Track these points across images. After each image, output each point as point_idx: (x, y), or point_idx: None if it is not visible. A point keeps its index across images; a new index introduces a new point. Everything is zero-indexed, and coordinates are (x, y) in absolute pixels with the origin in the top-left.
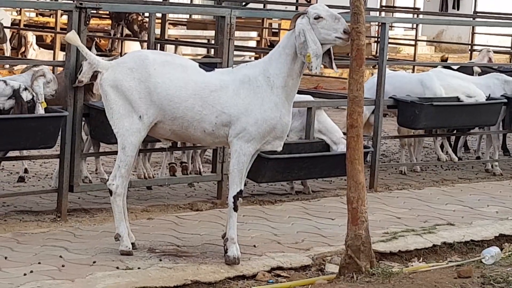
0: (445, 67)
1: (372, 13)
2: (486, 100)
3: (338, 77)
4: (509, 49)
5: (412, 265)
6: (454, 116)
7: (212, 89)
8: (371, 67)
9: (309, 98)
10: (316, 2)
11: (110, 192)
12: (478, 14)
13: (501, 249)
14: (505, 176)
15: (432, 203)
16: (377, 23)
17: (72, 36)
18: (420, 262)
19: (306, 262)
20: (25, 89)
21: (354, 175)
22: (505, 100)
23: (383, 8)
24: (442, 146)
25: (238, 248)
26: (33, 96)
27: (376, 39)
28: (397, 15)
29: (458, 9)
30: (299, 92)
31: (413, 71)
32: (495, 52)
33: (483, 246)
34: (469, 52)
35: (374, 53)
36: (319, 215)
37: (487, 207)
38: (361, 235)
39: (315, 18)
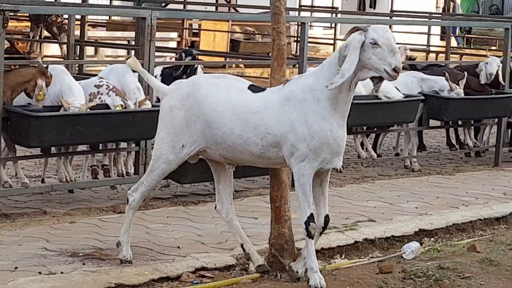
0: None
1: (291, 13)
2: (404, 97)
3: (259, 76)
4: (426, 47)
5: (335, 262)
6: (374, 114)
7: (254, 111)
8: (291, 66)
9: None
10: (236, 2)
11: (127, 201)
12: (394, 13)
13: (421, 244)
14: (424, 172)
15: (353, 200)
16: (296, 22)
17: (132, 62)
18: (342, 258)
19: (230, 262)
20: None
21: (277, 174)
22: (422, 98)
23: (302, 7)
24: (362, 144)
25: (322, 276)
26: None
27: (295, 38)
28: (316, 14)
29: (375, 8)
30: None
31: None
32: (412, 50)
33: (403, 241)
34: None
35: (294, 52)
36: (243, 214)
37: (406, 203)
38: (284, 233)
39: (371, 43)
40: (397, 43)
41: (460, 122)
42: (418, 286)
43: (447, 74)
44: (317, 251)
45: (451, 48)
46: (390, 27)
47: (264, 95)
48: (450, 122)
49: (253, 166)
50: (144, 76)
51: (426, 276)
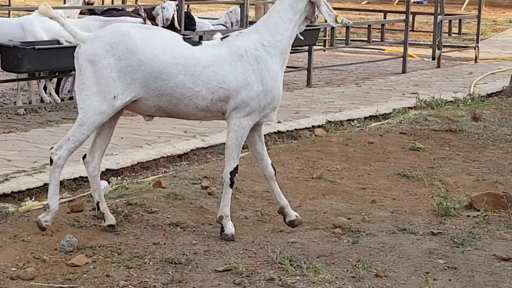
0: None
1: None
2: None
3: None
4: None
5: (26, 205)
6: (57, 58)
7: (205, 65)
8: None
9: None
10: None
11: (51, 161)
12: None
13: (109, 183)
14: None
15: (40, 144)
16: None
17: (44, 8)
18: (33, 201)
19: None
20: None
21: None
22: None
23: None
24: (45, 88)
25: (232, 224)
26: None
27: None
28: None
29: None
30: None
31: (8, 16)
32: None
33: None
34: None
35: None
36: None
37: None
38: None
39: None
40: None
41: None
42: None
43: (143, 9)
44: (8, 195)
45: None
46: None
47: (207, 49)
48: None
49: None
50: (59, 21)
51: (116, 212)
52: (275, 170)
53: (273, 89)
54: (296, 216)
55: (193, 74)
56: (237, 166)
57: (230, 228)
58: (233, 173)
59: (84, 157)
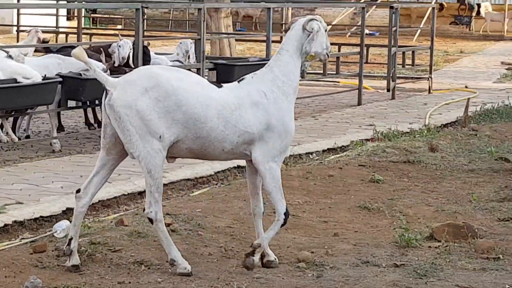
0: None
1: None
2: (43, 80)
3: None
4: (55, 28)
5: None
6: (12, 97)
7: (233, 108)
8: None
9: None
10: None
11: (151, 220)
12: None
13: (70, 222)
14: (64, 152)
15: None
16: None
17: (79, 52)
18: None
19: None
20: None
21: None
22: (60, 79)
23: None
24: (1, 127)
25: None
26: None
27: None
28: None
29: None
30: None
31: None
32: (43, 32)
33: (52, 221)
34: (16, 33)
35: None
36: None
37: (52, 183)
38: None
39: (325, 30)
40: (27, 26)
41: (97, 102)
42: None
43: (102, 52)
44: None
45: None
46: (18, 10)
47: (229, 92)
48: (88, 102)
49: None
50: (91, 67)
51: (79, 252)
52: (264, 209)
53: (291, 128)
54: (275, 258)
55: (225, 118)
56: (286, 205)
57: (256, 259)
58: (286, 214)
59: (78, 191)
